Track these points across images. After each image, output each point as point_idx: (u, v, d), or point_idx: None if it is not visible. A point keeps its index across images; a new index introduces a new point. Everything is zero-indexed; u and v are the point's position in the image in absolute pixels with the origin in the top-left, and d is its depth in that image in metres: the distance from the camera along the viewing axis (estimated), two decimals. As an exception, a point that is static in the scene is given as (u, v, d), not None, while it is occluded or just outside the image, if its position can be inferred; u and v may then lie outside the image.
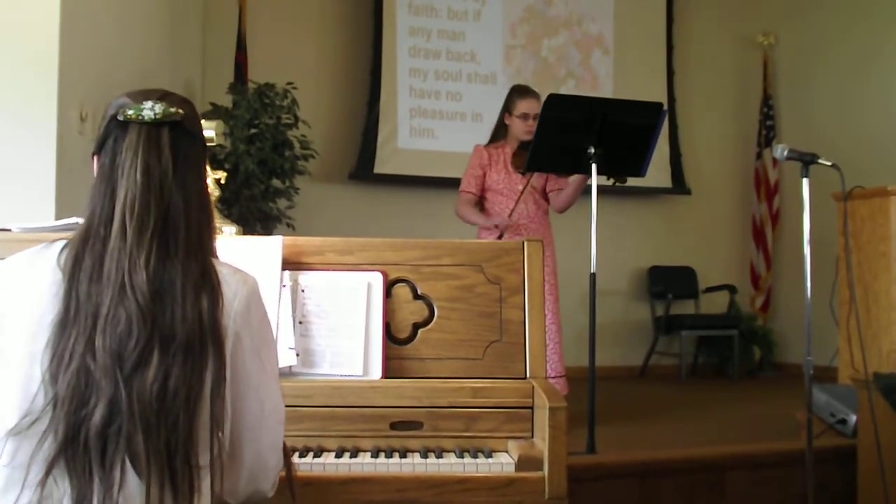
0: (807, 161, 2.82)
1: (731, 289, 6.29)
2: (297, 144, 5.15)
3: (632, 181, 3.61)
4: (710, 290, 6.37)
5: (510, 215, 3.71)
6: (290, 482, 1.39)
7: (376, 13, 5.95)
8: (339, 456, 1.68)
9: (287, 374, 1.78)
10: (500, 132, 3.96)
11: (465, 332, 1.87)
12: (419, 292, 1.88)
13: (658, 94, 6.13)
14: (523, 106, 3.83)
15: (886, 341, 3.47)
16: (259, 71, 5.41)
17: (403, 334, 1.86)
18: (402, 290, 1.88)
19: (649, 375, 6.23)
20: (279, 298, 1.80)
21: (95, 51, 3.48)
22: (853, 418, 3.26)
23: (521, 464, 1.65)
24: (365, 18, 6.03)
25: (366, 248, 1.89)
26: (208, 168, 2.17)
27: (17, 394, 1.14)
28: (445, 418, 1.75)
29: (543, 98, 3.47)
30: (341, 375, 1.79)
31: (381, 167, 5.86)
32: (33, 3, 3.07)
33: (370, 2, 6.00)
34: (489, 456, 1.70)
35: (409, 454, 1.71)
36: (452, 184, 4.04)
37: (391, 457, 1.69)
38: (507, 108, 3.92)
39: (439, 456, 1.69)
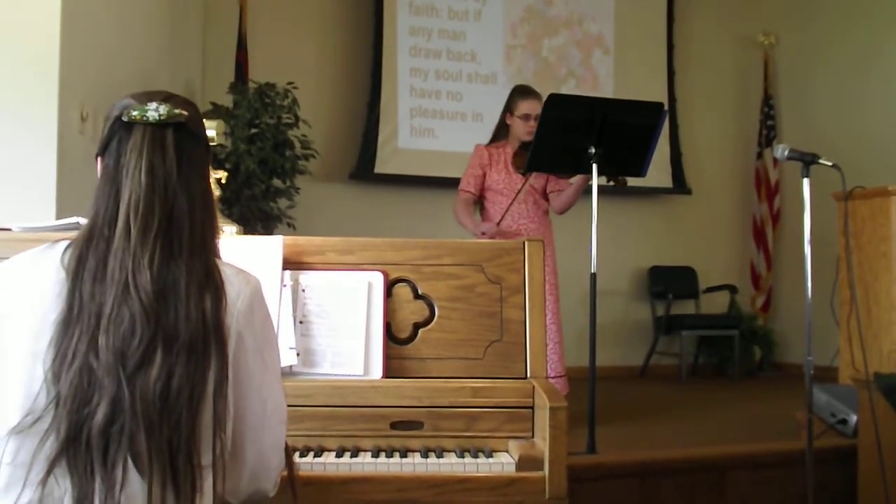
0: (807, 161, 2.82)
1: (732, 289, 6.29)
2: (297, 144, 5.15)
3: (632, 181, 3.61)
4: (710, 290, 6.38)
5: (499, 222, 3.71)
6: (291, 482, 1.40)
7: (377, 13, 5.95)
8: (339, 455, 1.68)
9: (288, 373, 1.78)
10: (501, 132, 3.96)
11: (465, 331, 1.87)
12: (420, 292, 1.88)
13: (658, 94, 6.13)
14: (525, 106, 3.83)
15: (887, 341, 3.47)
16: (260, 70, 5.41)
17: (404, 334, 1.86)
18: (402, 290, 1.88)
19: (650, 375, 6.23)
20: (280, 298, 1.80)
21: (96, 50, 3.48)
22: (854, 418, 3.26)
23: (522, 464, 1.65)
24: (365, 18, 6.03)
25: (366, 247, 1.90)
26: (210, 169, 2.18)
27: (19, 393, 1.14)
28: (446, 418, 1.75)
29: (544, 98, 3.47)
30: (342, 375, 1.79)
31: (381, 167, 5.86)
32: (34, 3, 3.07)
33: (371, 2, 6.00)
34: (490, 456, 1.70)
35: (410, 454, 1.71)
36: (453, 184, 4.04)
37: (392, 456, 1.69)
38: (508, 109, 3.92)
39: (440, 456, 1.69)
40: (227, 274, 1.26)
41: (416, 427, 1.74)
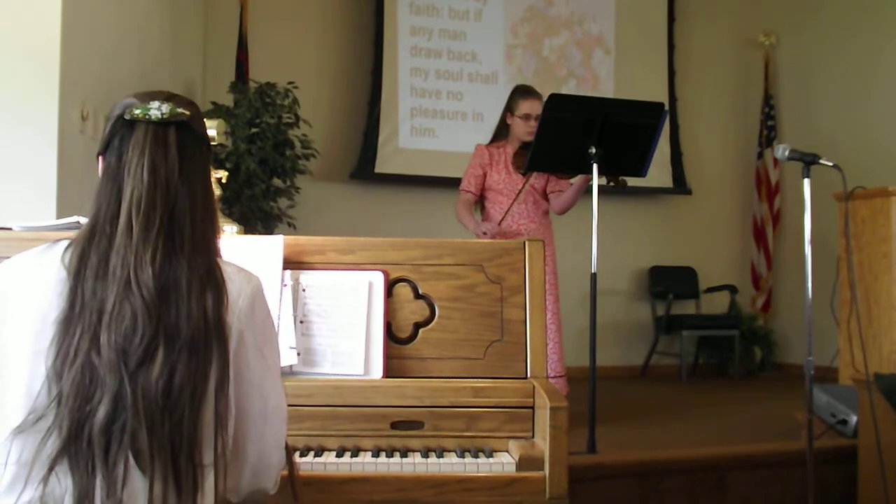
0: (808, 161, 2.82)
1: (732, 289, 6.29)
2: (298, 144, 5.15)
3: (633, 181, 3.61)
4: (710, 290, 6.38)
5: (500, 222, 3.71)
6: (292, 480, 1.40)
7: (377, 12, 5.95)
8: (339, 455, 1.68)
9: (288, 373, 1.78)
10: (501, 132, 3.96)
11: (466, 331, 1.87)
12: (420, 292, 1.88)
13: (659, 94, 6.13)
14: (525, 106, 3.83)
15: (887, 342, 3.47)
16: (260, 70, 5.41)
17: (404, 334, 1.86)
18: (403, 290, 1.88)
19: (650, 375, 6.23)
20: (280, 298, 1.80)
21: (96, 50, 3.48)
22: (854, 419, 3.26)
23: (522, 463, 1.65)
24: (366, 18, 6.03)
25: (367, 247, 1.89)
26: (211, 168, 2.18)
27: (21, 393, 1.14)
28: (446, 418, 1.75)
29: (545, 98, 3.47)
30: (342, 375, 1.79)
31: (382, 167, 5.86)
32: (34, 3, 3.07)
33: (371, 1, 6.00)
34: (490, 456, 1.70)
35: (410, 454, 1.71)
36: (453, 183, 4.04)
37: (392, 456, 1.69)
38: (509, 108, 3.92)
39: (440, 456, 1.69)
40: (228, 272, 1.26)
41: (417, 427, 1.74)
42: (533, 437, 1.75)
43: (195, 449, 1.15)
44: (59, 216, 2.99)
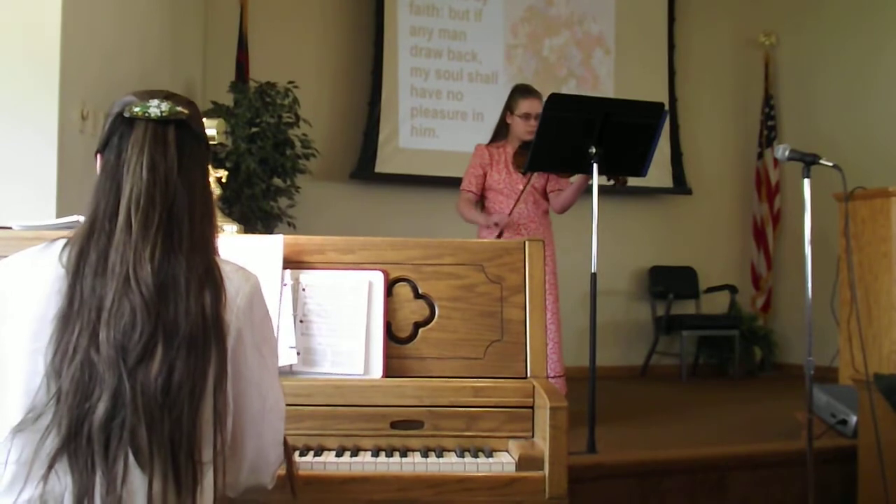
0: (808, 161, 2.82)
1: (732, 289, 6.29)
2: (298, 143, 5.15)
3: (633, 181, 3.61)
4: (710, 290, 6.37)
5: (510, 213, 3.71)
6: (290, 478, 1.40)
7: (377, 12, 5.94)
8: (339, 455, 1.68)
9: (288, 372, 1.78)
10: (501, 131, 3.96)
11: (465, 331, 1.87)
12: (420, 291, 1.88)
13: (659, 94, 6.13)
14: (525, 105, 3.83)
15: (887, 342, 3.47)
16: (260, 70, 5.41)
17: (404, 333, 1.86)
18: (403, 290, 1.88)
19: (650, 375, 6.23)
20: (280, 297, 1.80)
21: (96, 50, 3.48)
22: (854, 419, 3.26)
23: (522, 463, 1.65)
24: (366, 17, 6.03)
25: (367, 247, 1.89)
26: (210, 167, 2.18)
27: (21, 391, 1.15)
28: (446, 417, 1.75)
29: (545, 98, 3.47)
30: (342, 374, 1.79)
31: (382, 166, 5.86)
32: (34, 3, 3.07)
33: (371, 1, 6.00)
34: (490, 455, 1.70)
35: (410, 453, 1.71)
36: (453, 183, 4.04)
37: (392, 456, 1.69)
38: (508, 108, 3.92)
39: (440, 455, 1.69)
40: (226, 271, 1.26)
41: (417, 426, 1.74)
42: (533, 436, 1.75)
43: (194, 446, 1.15)
44: (59, 216, 2.99)
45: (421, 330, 1.87)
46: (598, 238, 3.32)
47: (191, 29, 5.34)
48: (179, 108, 1.26)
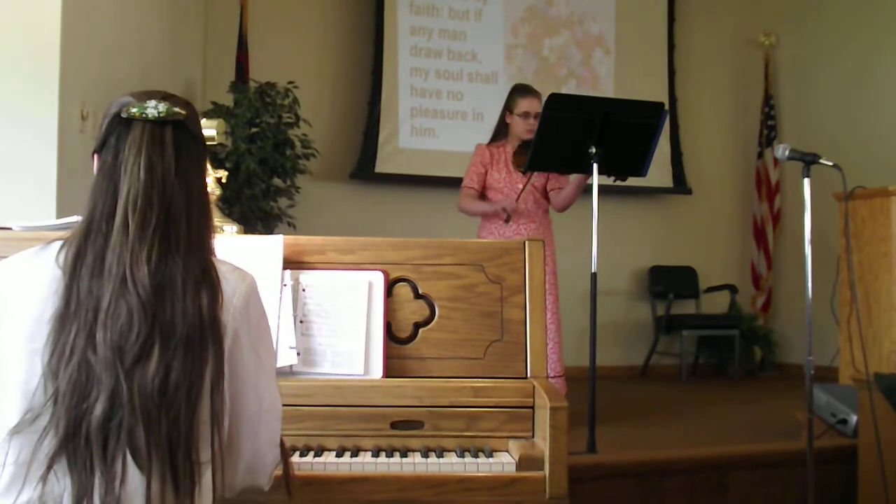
0: (808, 161, 2.82)
1: (732, 289, 6.29)
2: (298, 143, 5.15)
3: (633, 181, 3.61)
4: (710, 289, 6.37)
5: (518, 198, 3.71)
6: (286, 478, 1.40)
7: (377, 12, 5.95)
8: (339, 455, 1.68)
9: (288, 373, 1.78)
10: (501, 131, 3.96)
11: (465, 331, 1.87)
12: (420, 292, 1.88)
13: (659, 94, 6.13)
14: (524, 104, 3.83)
15: (887, 341, 3.47)
16: (260, 70, 5.41)
17: (404, 334, 1.86)
18: (403, 290, 1.88)
19: (650, 375, 6.23)
20: (280, 297, 1.80)
21: (96, 50, 3.48)
22: (854, 418, 3.26)
23: (522, 463, 1.65)
24: (366, 17, 6.03)
25: (367, 247, 1.89)
26: (209, 167, 2.18)
27: (18, 393, 1.15)
28: (446, 418, 1.75)
29: (544, 98, 3.47)
30: (342, 375, 1.79)
31: (382, 166, 5.86)
32: (34, 3, 3.07)
33: (371, 1, 6.00)
34: (490, 455, 1.70)
35: (410, 454, 1.71)
36: (453, 183, 4.04)
37: (392, 456, 1.69)
38: (508, 107, 3.92)
39: (440, 455, 1.69)
40: (223, 271, 1.26)
41: (417, 427, 1.74)
42: (533, 436, 1.75)
43: (192, 446, 1.15)
44: (59, 216, 2.99)
45: (421, 330, 1.87)
46: (598, 238, 3.32)
47: (191, 29, 5.34)
48: (177, 109, 1.26)
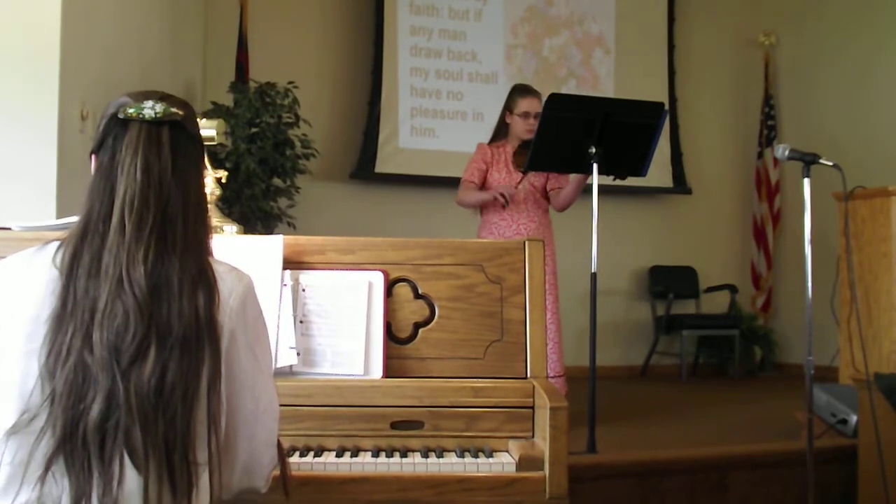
0: (808, 161, 2.82)
1: (732, 288, 6.28)
2: (298, 143, 5.15)
3: (633, 181, 3.61)
4: (710, 289, 6.37)
5: (517, 185, 3.72)
6: (283, 479, 1.39)
7: (377, 12, 5.95)
8: (339, 455, 1.68)
9: (288, 373, 1.78)
10: (501, 131, 3.97)
11: (465, 331, 1.86)
12: (420, 292, 1.88)
13: (659, 94, 6.13)
14: (524, 104, 3.84)
15: (887, 341, 3.47)
16: (260, 70, 5.41)
17: (404, 334, 1.86)
18: (403, 290, 1.88)
19: (650, 375, 6.23)
20: (280, 298, 1.80)
21: (96, 50, 3.48)
22: (854, 418, 3.26)
23: (522, 463, 1.65)
24: (366, 17, 6.03)
25: (367, 247, 1.89)
26: (209, 167, 2.18)
27: (15, 393, 1.14)
28: (446, 418, 1.75)
29: (544, 98, 3.47)
30: (342, 375, 1.79)
31: (382, 166, 5.86)
32: (34, 3, 3.07)
33: (371, 1, 6.00)
34: (490, 456, 1.70)
35: (410, 454, 1.71)
36: (453, 183, 4.04)
37: (392, 456, 1.69)
38: (508, 107, 3.92)
39: (440, 456, 1.69)
40: (219, 272, 1.26)
41: (417, 427, 1.74)
42: (533, 437, 1.75)
43: (189, 447, 1.15)
44: (59, 216, 2.99)
45: (421, 330, 1.87)
46: (598, 238, 3.32)
47: (191, 29, 5.34)
48: (174, 109, 1.26)
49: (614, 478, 3.00)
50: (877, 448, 2.83)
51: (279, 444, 1.38)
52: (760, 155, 6.65)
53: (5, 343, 1.17)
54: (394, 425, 1.74)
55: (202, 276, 1.21)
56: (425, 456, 1.69)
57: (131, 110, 1.24)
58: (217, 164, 3.83)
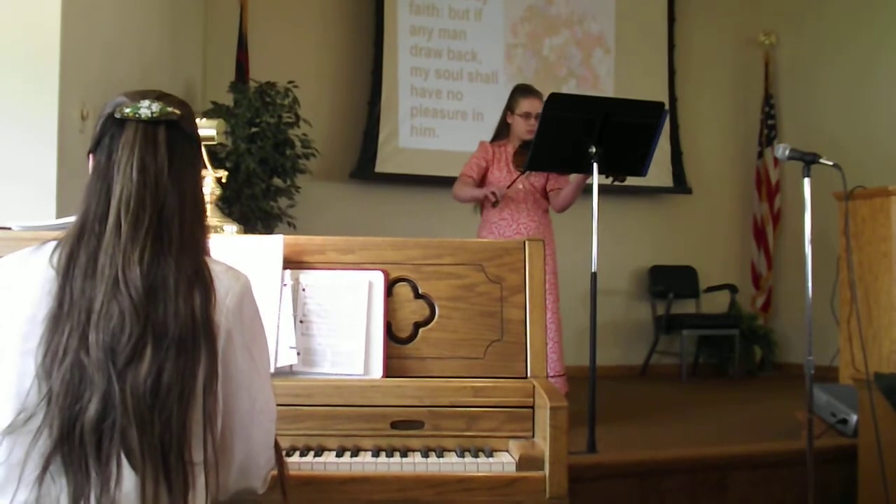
0: (808, 161, 2.82)
1: (732, 288, 6.28)
2: (298, 143, 5.15)
3: (633, 180, 3.61)
4: (710, 289, 6.37)
5: (510, 186, 3.72)
6: (281, 480, 1.39)
7: (377, 12, 5.95)
8: (339, 455, 1.68)
9: (288, 373, 1.78)
10: (502, 131, 3.97)
11: (466, 331, 1.86)
12: (420, 291, 1.88)
13: (659, 94, 6.13)
14: (526, 105, 3.84)
15: (887, 341, 3.47)
16: (260, 70, 5.41)
17: (404, 333, 1.86)
18: (403, 289, 1.88)
19: (650, 375, 6.23)
20: (280, 297, 1.80)
21: (96, 50, 3.48)
22: (854, 418, 3.26)
23: (522, 463, 1.65)
24: (366, 17, 6.03)
25: (367, 247, 1.89)
26: (209, 167, 2.18)
27: (11, 392, 1.14)
28: (446, 418, 1.75)
29: (545, 97, 3.47)
30: (342, 374, 1.79)
31: (382, 166, 5.86)
32: (34, 3, 3.07)
33: (371, 1, 6.00)
34: (490, 455, 1.70)
35: (410, 453, 1.71)
36: (453, 183, 4.03)
37: (392, 456, 1.69)
38: (509, 107, 3.92)
39: (440, 455, 1.69)
40: (216, 271, 1.26)
41: (417, 426, 1.74)
42: (533, 436, 1.75)
43: (185, 447, 1.15)
44: (58, 216, 2.99)
45: (421, 330, 1.87)
46: (598, 238, 3.32)
47: (191, 29, 5.33)
48: (170, 109, 1.25)
49: (614, 478, 3.00)
50: (877, 448, 2.83)
51: (277, 445, 1.38)
52: (760, 154, 6.65)
53: (1, 343, 1.17)
54: (394, 425, 1.74)
55: (198, 276, 1.21)
56: (425, 456, 1.69)
57: (128, 110, 1.24)
58: (217, 164, 3.82)
